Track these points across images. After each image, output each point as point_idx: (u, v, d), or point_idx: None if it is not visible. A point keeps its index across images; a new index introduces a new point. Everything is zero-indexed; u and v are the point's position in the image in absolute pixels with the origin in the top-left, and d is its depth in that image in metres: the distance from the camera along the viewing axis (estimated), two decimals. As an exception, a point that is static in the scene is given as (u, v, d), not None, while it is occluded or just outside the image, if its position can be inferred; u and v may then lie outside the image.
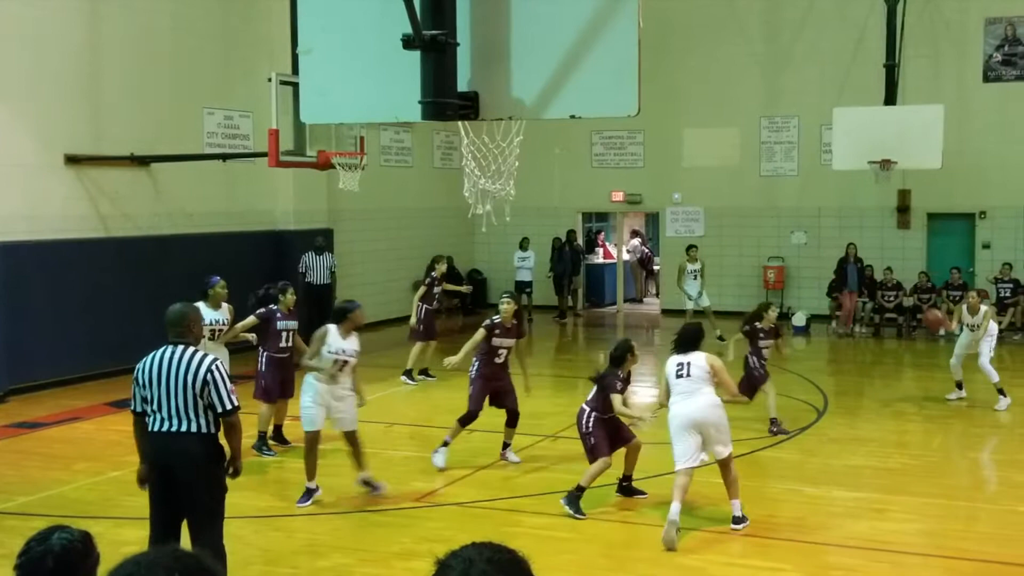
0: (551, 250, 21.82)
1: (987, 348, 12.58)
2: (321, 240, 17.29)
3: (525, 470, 9.79)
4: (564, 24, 4.99)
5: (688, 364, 8.06)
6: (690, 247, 18.65)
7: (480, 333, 9.86)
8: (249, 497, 8.38)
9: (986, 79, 19.56)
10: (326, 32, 5.46)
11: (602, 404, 8.48)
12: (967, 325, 12.82)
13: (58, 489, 9.01)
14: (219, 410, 6.06)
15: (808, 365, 15.72)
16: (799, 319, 19.72)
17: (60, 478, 9.40)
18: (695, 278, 18.08)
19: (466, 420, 9.83)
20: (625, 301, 23.91)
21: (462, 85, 5.07)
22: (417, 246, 21.11)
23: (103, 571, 3.22)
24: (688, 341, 8.25)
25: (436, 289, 14.20)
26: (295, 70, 7.54)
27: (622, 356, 8.61)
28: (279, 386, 10.41)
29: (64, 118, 13.97)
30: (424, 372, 14.21)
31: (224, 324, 10.19)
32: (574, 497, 8.36)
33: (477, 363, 9.90)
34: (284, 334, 10.40)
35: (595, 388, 8.59)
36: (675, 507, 7.66)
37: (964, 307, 12.97)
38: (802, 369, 15.17)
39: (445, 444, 9.83)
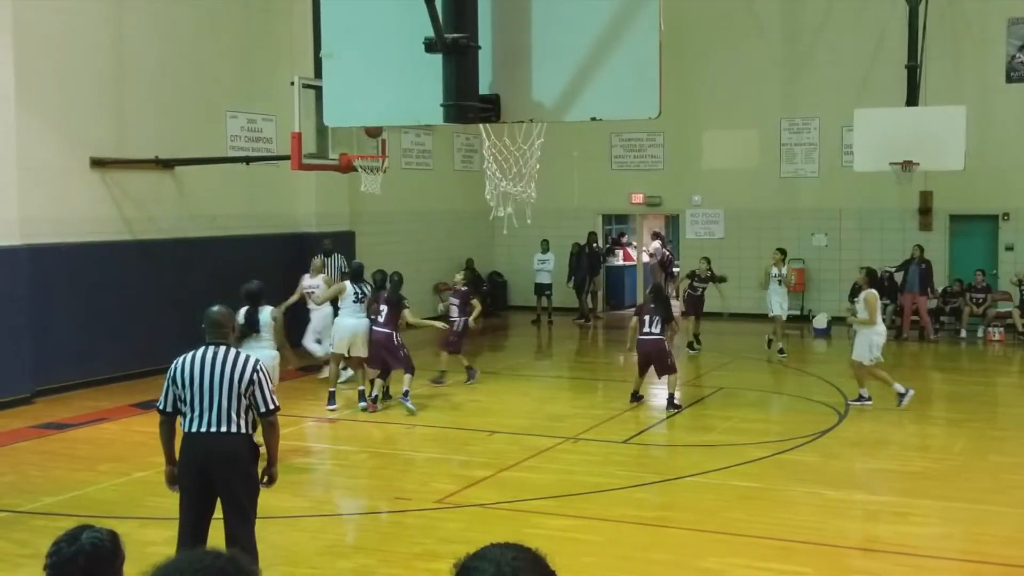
0: (570, 255, 21.76)
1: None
2: (328, 242, 16.81)
3: (546, 472, 9.81)
4: (585, 26, 4.99)
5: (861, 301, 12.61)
6: (778, 250, 17.11)
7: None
8: (271, 497, 8.42)
9: (1009, 80, 19.42)
10: (349, 36, 5.48)
11: (663, 328, 12.45)
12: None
13: (83, 489, 9.09)
14: (261, 410, 6.10)
15: (829, 368, 15.63)
16: (820, 321, 19.62)
17: (85, 479, 9.48)
18: (780, 283, 16.56)
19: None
20: (645, 303, 23.84)
21: (484, 88, 5.09)
22: (438, 248, 21.15)
23: (129, 571, 3.26)
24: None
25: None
26: (318, 73, 7.59)
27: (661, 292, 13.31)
28: None
29: (89, 122, 14.09)
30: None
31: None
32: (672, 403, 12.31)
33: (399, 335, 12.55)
34: None
35: (656, 319, 12.29)
36: (897, 385, 12.40)
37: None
38: (823, 372, 15.11)
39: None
